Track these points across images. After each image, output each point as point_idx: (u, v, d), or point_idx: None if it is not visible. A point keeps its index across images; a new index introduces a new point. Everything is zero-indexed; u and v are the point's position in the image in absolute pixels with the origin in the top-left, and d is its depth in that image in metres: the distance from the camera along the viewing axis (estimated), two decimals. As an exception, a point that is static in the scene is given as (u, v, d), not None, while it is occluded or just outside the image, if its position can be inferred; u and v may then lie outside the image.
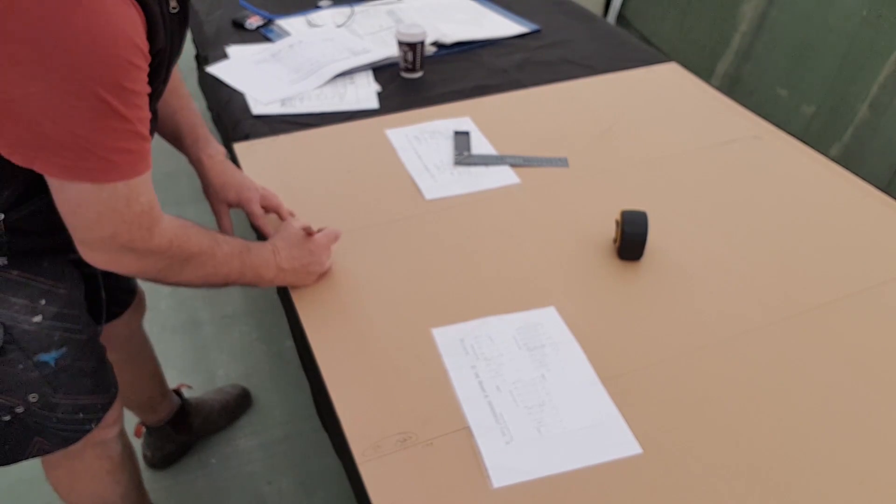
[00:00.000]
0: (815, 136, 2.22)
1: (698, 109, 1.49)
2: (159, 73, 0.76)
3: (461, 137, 1.36)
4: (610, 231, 1.12)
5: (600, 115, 1.45)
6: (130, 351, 1.31)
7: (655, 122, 1.43)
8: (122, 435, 1.15)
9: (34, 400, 0.92)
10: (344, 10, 1.88)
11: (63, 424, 0.97)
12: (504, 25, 1.83)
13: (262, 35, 1.75)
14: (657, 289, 1.03)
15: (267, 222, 1.08)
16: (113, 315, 1.19)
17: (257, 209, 1.08)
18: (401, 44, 1.55)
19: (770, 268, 1.07)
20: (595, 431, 0.82)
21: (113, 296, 1.15)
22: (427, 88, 1.55)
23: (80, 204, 0.71)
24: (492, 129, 1.39)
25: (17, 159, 0.68)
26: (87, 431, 1.00)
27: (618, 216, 1.07)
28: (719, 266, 1.07)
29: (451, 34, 1.74)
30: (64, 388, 0.94)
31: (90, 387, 0.99)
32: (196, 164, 1.07)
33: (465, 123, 1.41)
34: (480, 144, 1.34)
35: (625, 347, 0.94)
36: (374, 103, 1.48)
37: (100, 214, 0.72)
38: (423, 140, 1.36)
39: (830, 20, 2.16)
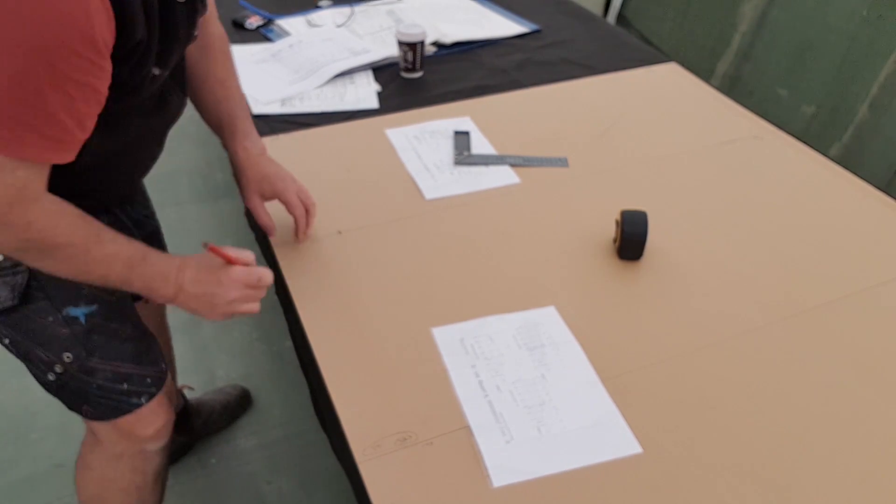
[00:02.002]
0: (815, 136, 2.22)
1: (698, 109, 1.49)
2: (144, 64, 0.74)
3: (461, 137, 1.36)
4: (610, 231, 1.12)
5: (600, 115, 1.45)
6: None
7: (655, 122, 1.43)
8: (164, 452, 1.13)
9: (69, 360, 0.91)
10: (344, 10, 1.88)
11: (104, 392, 0.95)
12: (504, 25, 1.83)
13: (262, 35, 1.75)
14: (657, 289, 1.03)
15: (303, 212, 1.05)
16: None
17: (293, 198, 1.04)
18: (401, 44, 1.55)
19: (770, 268, 1.07)
20: (595, 431, 0.82)
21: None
22: (427, 88, 1.55)
23: None
24: (492, 129, 1.39)
25: None
26: (138, 406, 0.99)
27: (618, 216, 1.07)
28: (719, 266, 1.07)
29: (451, 34, 1.74)
30: (99, 351, 0.93)
31: (131, 354, 0.97)
32: (232, 156, 1.05)
33: (465, 123, 1.41)
34: (480, 144, 1.34)
35: (625, 347, 0.94)
36: (374, 103, 1.48)
37: None
38: (423, 140, 1.36)
39: (830, 20, 2.16)
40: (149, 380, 1.00)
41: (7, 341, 0.92)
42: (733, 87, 2.53)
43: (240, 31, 1.77)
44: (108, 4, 0.65)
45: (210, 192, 2.31)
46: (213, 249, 0.85)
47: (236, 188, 1.07)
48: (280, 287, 1.06)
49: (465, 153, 1.31)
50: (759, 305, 1.01)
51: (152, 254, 0.84)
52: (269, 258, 1.10)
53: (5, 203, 0.70)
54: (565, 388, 0.88)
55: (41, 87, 0.64)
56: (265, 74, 1.56)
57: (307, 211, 1.05)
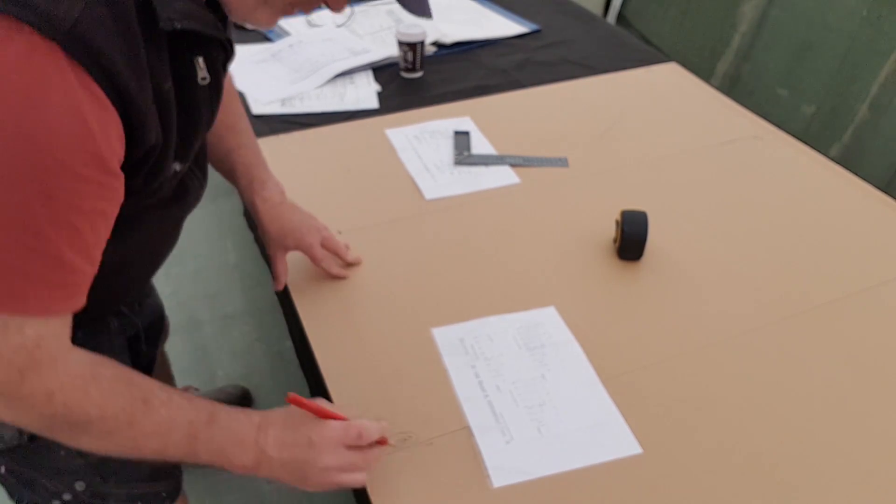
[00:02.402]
0: (815, 136, 2.22)
1: (698, 109, 1.49)
2: (162, 166, 0.62)
3: (461, 137, 1.36)
4: (610, 231, 1.12)
5: (600, 115, 1.45)
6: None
7: (655, 122, 1.43)
8: None
9: (81, 489, 0.81)
10: (344, 10, 1.88)
11: None
12: (504, 25, 1.83)
13: (261, 35, 1.75)
14: (657, 289, 1.03)
15: (332, 263, 1.00)
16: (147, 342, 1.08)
17: (318, 252, 0.98)
18: (401, 44, 1.55)
19: (770, 268, 1.07)
20: (595, 431, 0.82)
21: (148, 336, 1.04)
22: (427, 88, 1.55)
23: None
24: (492, 129, 1.39)
25: None
26: None
27: (618, 216, 1.07)
28: (719, 266, 1.07)
29: (451, 34, 1.74)
30: (115, 476, 0.83)
31: (148, 472, 0.88)
32: (250, 207, 0.98)
33: (465, 123, 1.41)
34: (480, 144, 1.34)
35: (625, 347, 0.94)
36: (374, 103, 1.48)
37: None
38: (423, 140, 1.36)
39: (830, 20, 2.16)
40: (164, 493, 0.93)
41: (3, 469, 0.80)
42: (733, 87, 2.53)
43: (240, 31, 1.77)
44: (112, 108, 0.52)
45: (209, 192, 2.31)
46: (295, 401, 0.69)
47: (235, 188, 1.05)
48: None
49: (465, 153, 1.31)
50: (759, 305, 1.01)
51: (221, 413, 0.66)
52: (269, 259, 1.10)
53: (16, 371, 0.55)
54: (565, 388, 0.88)
55: (39, 226, 0.50)
56: (265, 74, 1.56)
57: (338, 253, 1.01)
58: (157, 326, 1.06)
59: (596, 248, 1.10)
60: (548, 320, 0.97)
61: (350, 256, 1.02)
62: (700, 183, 1.26)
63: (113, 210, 0.56)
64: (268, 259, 1.03)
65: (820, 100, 2.22)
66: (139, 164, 0.58)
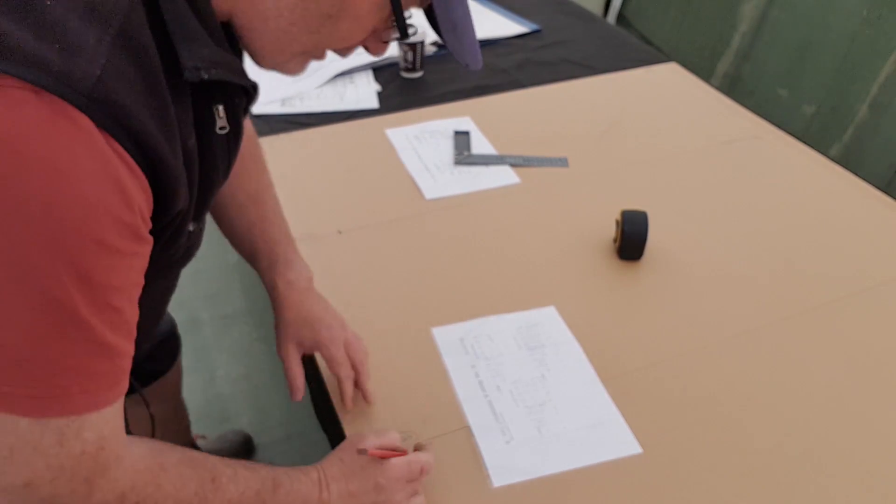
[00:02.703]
0: (815, 136, 2.22)
1: (698, 109, 1.49)
2: (181, 231, 0.57)
3: (461, 137, 1.36)
4: (610, 231, 1.12)
5: (600, 115, 1.45)
6: (167, 410, 1.16)
7: (655, 122, 1.43)
8: None
9: None
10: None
11: None
12: (504, 25, 1.83)
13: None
14: (657, 289, 1.03)
15: (350, 373, 0.83)
16: (158, 374, 1.07)
17: (338, 353, 0.82)
18: (401, 44, 1.55)
19: (770, 268, 1.07)
20: (595, 431, 0.82)
21: (156, 357, 0.99)
22: (427, 88, 1.55)
23: None
24: (492, 129, 1.39)
25: None
26: None
27: (618, 216, 1.07)
28: (719, 266, 1.07)
29: (451, 34, 1.74)
30: None
31: None
32: (270, 290, 0.84)
33: (465, 123, 1.41)
34: (480, 144, 1.34)
35: (625, 347, 0.94)
36: (374, 103, 1.48)
37: (14, 450, 0.47)
38: (423, 140, 1.36)
39: (830, 20, 2.16)
40: None
41: None
42: (733, 87, 2.53)
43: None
44: (141, 173, 0.46)
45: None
46: (374, 454, 0.69)
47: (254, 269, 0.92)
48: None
49: (465, 153, 1.31)
50: (759, 305, 1.01)
51: (283, 476, 0.65)
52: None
53: (82, 482, 0.50)
54: (565, 388, 0.88)
55: (78, 313, 0.44)
56: (265, 74, 1.56)
57: (357, 370, 0.84)
58: (166, 349, 1.01)
59: (596, 248, 1.10)
60: (548, 320, 0.97)
61: (367, 386, 0.85)
62: (700, 183, 1.26)
63: (143, 278, 0.51)
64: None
65: (820, 100, 2.22)
66: (162, 230, 0.52)
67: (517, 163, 1.29)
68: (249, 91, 0.60)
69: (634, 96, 1.53)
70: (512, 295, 1.01)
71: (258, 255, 0.85)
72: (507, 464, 0.79)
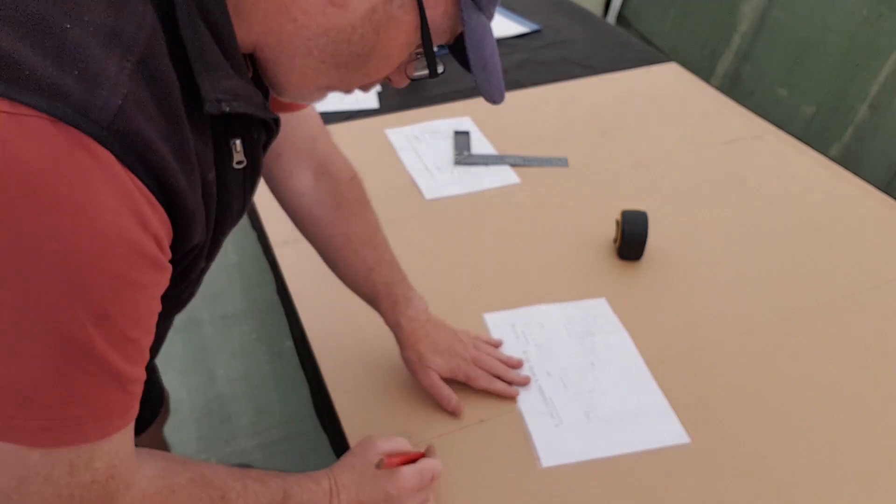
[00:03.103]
0: (815, 136, 2.22)
1: (698, 109, 1.49)
2: (195, 266, 0.56)
3: (461, 137, 1.36)
4: (610, 231, 1.12)
5: (600, 115, 1.45)
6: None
7: (655, 122, 1.43)
8: None
9: None
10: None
11: None
12: (504, 25, 1.83)
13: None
14: (657, 289, 1.03)
15: (501, 387, 0.86)
16: (140, 424, 1.04)
17: (473, 372, 0.85)
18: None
19: (770, 268, 1.07)
20: (643, 420, 0.84)
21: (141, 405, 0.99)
22: (427, 88, 1.55)
23: None
24: (492, 129, 1.39)
25: None
26: None
27: (618, 216, 1.07)
28: (719, 266, 1.07)
29: (451, 34, 1.74)
30: None
31: None
32: (394, 328, 0.86)
33: (465, 123, 1.41)
34: (480, 144, 1.34)
35: (625, 347, 0.94)
36: (374, 103, 1.48)
37: (23, 482, 0.46)
38: (423, 140, 1.36)
39: (830, 20, 2.16)
40: None
41: None
42: (733, 87, 2.53)
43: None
44: (160, 208, 0.45)
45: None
46: (389, 465, 0.69)
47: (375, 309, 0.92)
48: (280, 287, 1.06)
49: (465, 153, 1.31)
50: (759, 305, 1.01)
51: (294, 487, 0.65)
52: (270, 258, 1.10)
53: None
54: (615, 376, 0.89)
55: (95, 347, 0.44)
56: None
57: (495, 371, 0.86)
58: (151, 400, 0.99)
59: (596, 248, 1.10)
60: (599, 311, 0.98)
61: (512, 374, 0.87)
62: (700, 183, 1.26)
63: (161, 303, 0.50)
64: (269, 258, 0.97)
65: (820, 100, 2.22)
66: (175, 265, 0.50)
67: (517, 163, 1.29)
68: (270, 126, 0.57)
69: (634, 96, 1.53)
70: (512, 295, 1.01)
71: (379, 297, 0.86)
72: (555, 446, 0.81)
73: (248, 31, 0.51)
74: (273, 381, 1.74)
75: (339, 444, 0.86)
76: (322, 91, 0.59)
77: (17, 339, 0.41)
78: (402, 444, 0.74)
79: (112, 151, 0.40)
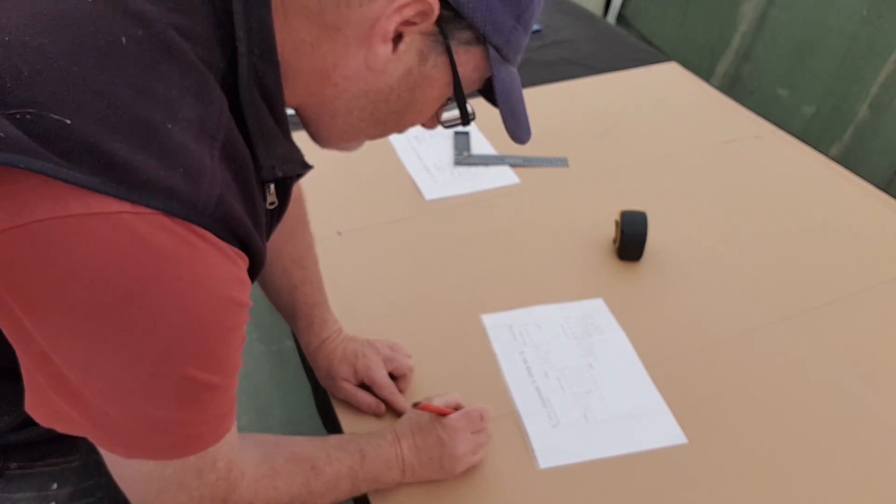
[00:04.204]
0: (815, 136, 2.22)
1: (698, 109, 1.49)
2: None
3: (461, 137, 1.35)
4: (610, 231, 1.12)
5: (600, 115, 1.45)
6: None
7: (655, 122, 1.43)
8: None
9: None
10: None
11: None
12: (504, 25, 1.83)
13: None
14: (657, 289, 1.03)
15: (400, 399, 0.85)
16: None
17: (376, 376, 0.85)
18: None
19: (770, 268, 1.07)
20: (641, 420, 0.84)
21: None
22: (427, 88, 1.55)
23: (136, 481, 0.55)
24: (492, 130, 1.38)
25: (61, 428, 0.51)
26: None
27: (617, 216, 1.07)
28: (719, 266, 1.07)
29: (451, 34, 1.74)
30: None
31: None
32: (305, 347, 0.89)
33: (464, 123, 1.41)
34: (480, 144, 1.34)
35: (625, 347, 0.94)
36: (373, 103, 1.48)
37: (161, 491, 0.55)
38: (422, 140, 1.36)
39: (830, 20, 2.16)
40: None
41: None
42: (733, 87, 2.53)
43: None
44: (247, 260, 0.53)
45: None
46: (426, 408, 0.76)
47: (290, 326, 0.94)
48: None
49: (465, 153, 1.31)
50: (759, 305, 1.01)
51: (367, 446, 0.73)
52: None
53: (219, 501, 0.58)
54: (612, 377, 0.89)
55: (211, 383, 0.52)
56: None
57: (398, 384, 0.87)
58: None
59: (596, 248, 1.10)
60: (596, 311, 0.98)
61: (396, 399, 0.86)
62: (700, 183, 1.26)
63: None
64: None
65: (820, 100, 2.22)
66: None
67: (517, 163, 1.29)
68: (303, 172, 0.63)
69: (634, 96, 1.53)
70: (512, 295, 1.01)
71: (297, 315, 0.89)
72: (553, 446, 0.81)
73: (292, 93, 0.56)
74: (273, 381, 1.74)
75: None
76: (361, 142, 0.66)
77: (155, 384, 0.48)
78: (454, 398, 0.80)
79: (215, 233, 0.47)
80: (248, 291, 0.53)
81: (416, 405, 0.76)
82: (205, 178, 0.46)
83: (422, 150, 1.32)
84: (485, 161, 1.30)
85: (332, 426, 0.91)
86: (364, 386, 0.86)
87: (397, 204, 1.19)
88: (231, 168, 0.49)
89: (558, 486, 0.77)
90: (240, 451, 0.60)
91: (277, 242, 0.87)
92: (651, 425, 0.83)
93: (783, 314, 0.99)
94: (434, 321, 0.97)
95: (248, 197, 0.52)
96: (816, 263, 1.08)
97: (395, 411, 0.84)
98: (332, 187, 1.22)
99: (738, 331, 0.97)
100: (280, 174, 0.55)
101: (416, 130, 1.37)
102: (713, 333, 0.96)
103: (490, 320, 0.97)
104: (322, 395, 0.93)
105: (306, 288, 0.89)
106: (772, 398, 0.88)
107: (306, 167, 0.61)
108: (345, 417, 0.84)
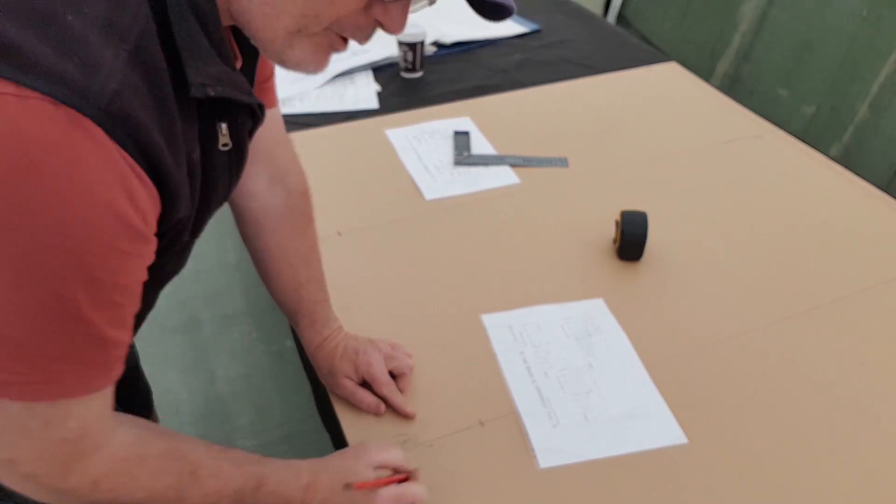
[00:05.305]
0: (815, 136, 2.22)
1: (698, 109, 1.49)
2: (178, 239, 0.58)
3: (461, 137, 1.36)
4: (610, 231, 1.12)
5: (600, 115, 1.45)
6: None
7: (655, 122, 1.43)
8: None
9: None
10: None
11: None
12: (504, 25, 1.83)
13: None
14: (657, 289, 1.03)
15: (399, 398, 0.84)
16: None
17: (376, 372, 0.84)
18: (401, 44, 1.55)
19: (770, 268, 1.07)
20: (641, 420, 0.84)
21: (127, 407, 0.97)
22: (427, 88, 1.55)
23: None
24: (492, 129, 1.39)
25: None
26: None
27: (618, 216, 1.07)
28: (719, 266, 1.07)
29: (451, 34, 1.74)
30: None
31: None
32: (306, 345, 0.89)
33: (464, 123, 1.41)
34: (480, 144, 1.34)
35: (625, 347, 0.94)
36: (373, 103, 1.48)
37: (2, 431, 0.50)
38: (422, 140, 1.36)
39: (830, 20, 2.16)
40: None
41: None
42: (733, 87, 2.53)
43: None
44: (150, 183, 0.48)
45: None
46: (360, 486, 0.69)
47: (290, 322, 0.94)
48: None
49: (465, 153, 1.31)
50: (759, 305, 1.01)
51: (270, 477, 0.66)
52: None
53: (60, 465, 0.53)
54: (612, 377, 0.89)
55: (80, 310, 0.47)
56: (265, 74, 1.56)
57: (398, 383, 0.86)
58: (139, 401, 1.00)
59: (596, 248, 1.10)
60: (595, 312, 0.98)
61: (396, 399, 0.85)
62: (700, 183, 1.26)
63: (145, 275, 0.52)
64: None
65: (820, 100, 2.22)
66: (160, 237, 0.53)
67: (517, 163, 1.29)
68: (256, 111, 0.60)
69: (634, 96, 1.53)
70: (511, 296, 1.01)
71: (300, 313, 0.87)
72: (553, 446, 0.81)
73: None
74: (273, 381, 1.75)
75: (339, 444, 0.86)
76: (296, 40, 0.54)
77: (10, 294, 0.44)
78: (395, 456, 0.74)
79: (106, 131, 0.43)
80: (144, 218, 0.47)
81: (346, 487, 0.68)
82: (101, 71, 0.43)
83: (422, 151, 1.32)
84: (485, 161, 1.30)
85: (332, 426, 0.91)
86: (365, 385, 0.86)
87: (397, 204, 1.19)
88: (143, 77, 0.46)
89: (558, 486, 0.77)
90: (106, 423, 0.55)
91: (284, 239, 0.86)
92: (651, 425, 0.83)
93: (783, 314, 0.99)
94: (434, 321, 0.97)
95: (163, 112, 0.48)
96: (816, 263, 1.08)
97: (395, 411, 0.84)
98: (332, 187, 1.22)
99: (738, 331, 0.97)
100: (212, 94, 0.51)
101: (416, 130, 1.38)
102: (713, 333, 0.96)
103: (490, 320, 0.97)
104: (322, 395, 0.93)
105: (311, 285, 0.87)
106: (772, 398, 0.88)
107: (252, 98, 0.57)
108: (345, 417, 0.84)
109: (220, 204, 0.63)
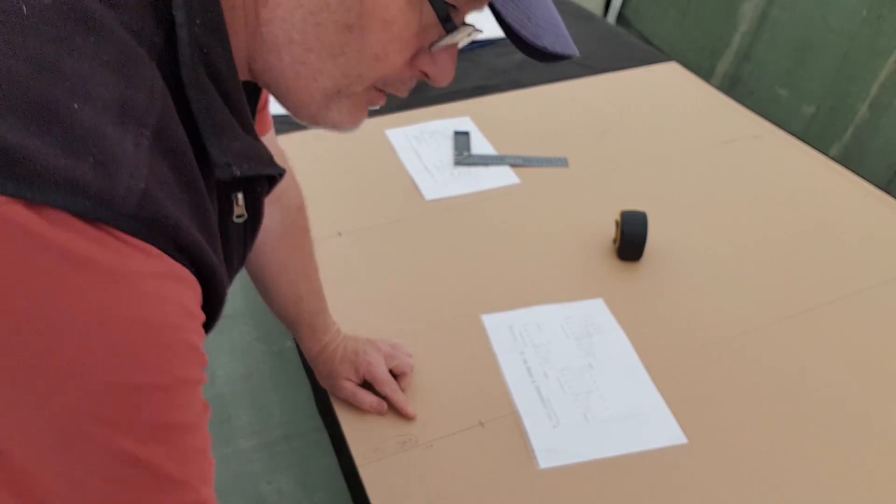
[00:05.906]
0: (815, 136, 2.22)
1: (698, 109, 1.49)
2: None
3: (461, 137, 1.35)
4: (610, 231, 1.12)
5: (600, 115, 1.45)
6: None
7: (655, 122, 1.43)
8: None
9: None
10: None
11: None
12: (504, 25, 1.83)
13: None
14: (657, 289, 1.03)
15: (401, 396, 0.85)
16: None
17: (378, 372, 0.85)
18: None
19: (770, 267, 1.07)
20: (641, 420, 0.84)
21: None
22: (427, 88, 1.54)
23: None
24: (492, 129, 1.38)
25: None
26: None
27: (617, 216, 1.07)
28: (719, 266, 1.07)
29: (451, 34, 1.74)
30: None
31: None
32: (307, 353, 0.88)
33: (464, 123, 1.41)
34: (480, 144, 1.34)
35: (625, 348, 0.94)
36: (373, 103, 1.48)
37: None
38: (422, 140, 1.36)
39: (830, 20, 2.16)
40: None
41: None
42: (733, 87, 2.53)
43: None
44: (194, 283, 0.40)
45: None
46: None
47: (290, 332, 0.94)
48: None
49: (465, 153, 1.31)
50: (759, 305, 1.01)
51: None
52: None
53: None
54: (612, 377, 0.89)
55: (160, 468, 0.38)
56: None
57: (399, 382, 0.86)
58: None
59: (596, 248, 1.10)
60: (595, 312, 0.98)
61: (397, 397, 0.85)
62: (700, 183, 1.26)
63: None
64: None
65: (820, 100, 2.22)
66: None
67: (517, 163, 1.29)
68: (276, 178, 0.52)
69: (634, 96, 1.52)
70: (511, 296, 1.01)
71: (300, 325, 0.87)
72: (553, 446, 0.81)
73: (239, 55, 0.46)
74: (273, 381, 1.74)
75: (339, 444, 0.86)
76: (334, 100, 0.50)
77: (66, 452, 0.35)
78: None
79: (141, 238, 0.36)
80: (197, 327, 0.39)
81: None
82: (123, 169, 0.35)
83: (422, 151, 1.32)
84: (485, 161, 1.30)
85: (333, 426, 0.91)
86: (366, 385, 0.86)
87: (397, 204, 1.19)
88: (169, 163, 0.38)
89: (558, 486, 0.77)
90: None
91: (284, 257, 0.84)
92: (651, 425, 0.83)
93: (783, 314, 0.99)
94: (434, 321, 0.97)
95: (195, 200, 0.40)
96: (816, 263, 1.08)
97: (396, 410, 0.84)
98: (332, 187, 1.22)
99: (738, 331, 0.97)
100: (238, 174, 0.44)
101: (416, 130, 1.38)
102: (713, 333, 0.96)
103: (490, 320, 0.97)
104: (322, 395, 0.93)
105: (311, 298, 0.87)
106: (772, 398, 0.88)
107: (275, 168, 0.50)
108: (345, 417, 0.84)
109: (233, 277, 0.56)
